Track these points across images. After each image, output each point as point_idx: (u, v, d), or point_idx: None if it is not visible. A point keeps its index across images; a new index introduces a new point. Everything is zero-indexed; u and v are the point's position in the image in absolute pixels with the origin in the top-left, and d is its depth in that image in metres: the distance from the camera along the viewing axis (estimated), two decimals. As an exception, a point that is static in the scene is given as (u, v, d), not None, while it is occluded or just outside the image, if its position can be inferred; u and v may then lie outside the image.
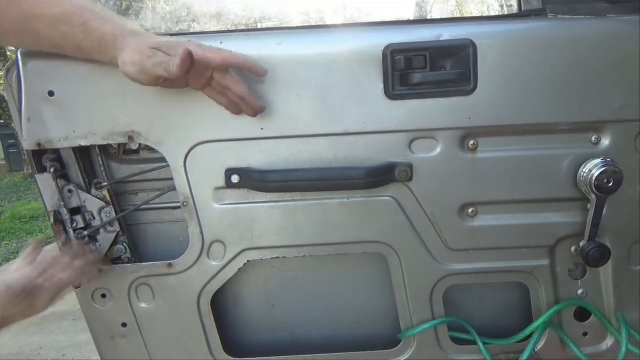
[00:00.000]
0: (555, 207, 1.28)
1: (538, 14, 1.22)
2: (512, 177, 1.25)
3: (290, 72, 1.19)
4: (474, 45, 1.17)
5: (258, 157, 1.24)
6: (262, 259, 1.31)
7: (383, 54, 1.18)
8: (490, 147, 1.24)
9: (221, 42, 1.18)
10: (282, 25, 1.33)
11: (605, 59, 1.20)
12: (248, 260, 1.30)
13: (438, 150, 1.24)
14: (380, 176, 1.20)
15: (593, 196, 1.21)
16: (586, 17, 1.22)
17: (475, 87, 1.19)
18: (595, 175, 1.19)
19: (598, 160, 1.21)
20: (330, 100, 1.21)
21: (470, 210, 1.28)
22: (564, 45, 1.20)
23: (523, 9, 1.23)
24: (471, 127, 1.22)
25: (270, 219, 1.27)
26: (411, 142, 1.23)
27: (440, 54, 1.19)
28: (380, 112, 1.21)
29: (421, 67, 1.19)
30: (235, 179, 1.23)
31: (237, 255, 1.29)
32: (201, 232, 1.27)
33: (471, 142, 1.24)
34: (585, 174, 1.21)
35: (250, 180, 1.21)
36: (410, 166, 1.23)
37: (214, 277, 1.30)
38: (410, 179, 1.24)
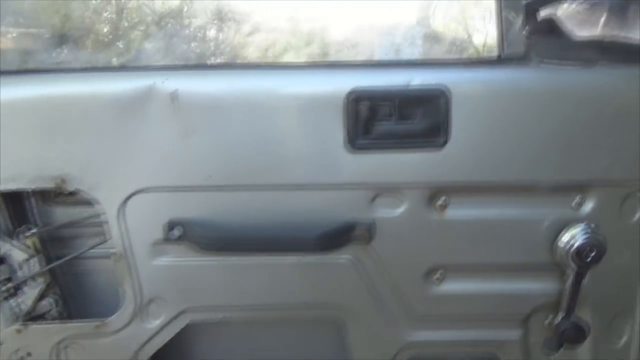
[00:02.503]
0: (531, 275, 1.15)
1: (520, 59, 1.09)
2: (484, 240, 1.13)
3: (242, 115, 1.06)
4: (447, 93, 1.04)
5: (204, 208, 1.10)
6: (205, 321, 1.17)
7: (345, 100, 1.05)
8: (461, 206, 1.12)
9: (163, 82, 1.04)
10: (234, 62, 1.19)
11: (593, 113, 1.07)
12: (190, 321, 1.17)
13: (403, 208, 1.11)
14: (336, 237, 1.07)
15: (572, 267, 1.09)
16: (574, 65, 1.09)
17: (447, 140, 1.06)
18: (576, 245, 1.07)
19: (580, 228, 1.08)
20: (286, 148, 1.07)
21: (437, 275, 1.15)
22: (548, 96, 1.07)
23: (504, 53, 1.10)
24: (441, 184, 1.09)
25: (215, 277, 1.14)
26: (374, 198, 1.10)
27: (410, 102, 1.06)
28: (341, 164, 1.08)
29: (387, 116, 1.05)
30: (176, 232, 1.09)
31: (178, 315, 1.16)
32: (137, 289, 1.14)
33: (440, 201, 1.11)
34: (565, 242, 1.09)
35: (193, 235, 1.07)
36: (371, 226, 1.10)
37: (150, 338, 1.17)
38: (371, 240, 1.11)
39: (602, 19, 1.18)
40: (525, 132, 1.07)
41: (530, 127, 1.07)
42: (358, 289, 1.15)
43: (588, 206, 1.11)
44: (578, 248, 1.06)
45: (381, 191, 1.10)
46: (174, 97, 1.04)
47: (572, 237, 1.08)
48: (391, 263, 1.14)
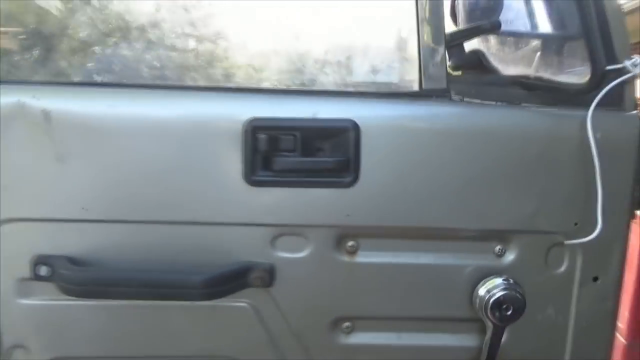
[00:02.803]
0: (448, 328, 1.05)
1: (440, 95, 1.01)
2: (397, 288, 1.02)
3: (124, 141, 0.94)
4: (356, 127, 0.95)
5: (78, 244, 0.97)
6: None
7: (244, 130, 0.94)
8: (372, 251, 1.01)
9: (36, 98, 0.91)
10: (120, 81, 1.07)
11: (517, 156, 0.99)
12: (60, 373, 1.02)
13: (308, 250, 0.99)
14: (227, 283, 0.94)
15: (489, 323, 0.99)
16: (496, 103, 1.01)
17: (356, 178, 0.96)
18: (492, 299, 0.97)
19: (498, 281, 0.99)
20: (176, 180, 0.95)
21: (345, 325, 1.04)
22: (468, 135, 0.98)
23: (423, 87, 1.01)
24: (349, 226, 0.98)
25: (90, 323, 1.00)
26: (274, 238, 0.99)
27: (315, 135, 0.96)
28: (238, 200, 0.96)
29: (290, 150, 0.95)
30: (43, 270, 0.95)
31: (45, 365, 1.01)
32: (-2, 334, 0.98)
33: (349, 244, 1.00)
34: (481, 295, 0.99)
35: (61, 276, 0.93)
36: (270, 269, 0.98)
37: (15, 391, 1.01)
38: (270, 284, 0.99)
39: (534, 58, 1.12)
40: (442, 174, 0.98)
41: (448, 168, 0.98)
42: (256, 340, 1.02)
43: (510, 256, 1.02)
44: (494, 303, 0.97)
45: (283, 231, 0.98)
46: (47, 116, 0.91)
47: (489, 290, 0.98)
48: (294, 311, 1.01)
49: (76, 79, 0.97)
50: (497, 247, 1.02)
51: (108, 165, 0.94)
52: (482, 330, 1.02)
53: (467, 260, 1.02)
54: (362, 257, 1.01)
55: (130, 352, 1.01)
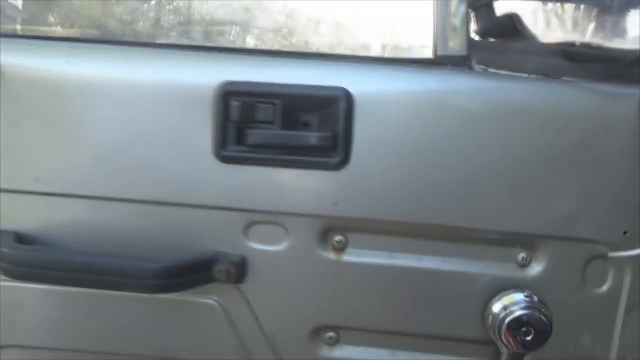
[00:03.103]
0: (453, 349, 0.86)
1: (458, 63, 0.82)
2: (393, 296, 0.85)
3: (81, 104, 0.82)
4: (349, 97, 0.78)
5: (29, 219, 0.86)
6: (28, 362, 0.92)
7: (214, 95, 0.79)
8: (363, 249, 0.84)
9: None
10: (84, 34, 0.94)
11: (552, 141, 0.79)
12: (8, 362, 0.91)
13: (286, 243, 0.84)
14: (186, 275, 0.80)
15: (504, 348, 0.79)
16: (529, 76, 0.82)
17: (347, 159, 0.79)
18: (509, 319, 0.77)
19: (518, 297, 0.79)
20: (137, 151, 0.82)
21: (328, 336, 0.87)
22: (490, 113, 0.80)
23: (438, 53, 0.83)
24: (337, 217, 0.82)
25: (40, 309, 0.89)
26: (247, 226, 0.84)
27: (299, 105, 0.80)
28: (206, 178, 0.82)
29: (267, 121, 0.79)
30: (-14, 246, 0.84)
31: (-9, 352, 0.91)
32: (-56, 314, 0.89)
33: (336, 239, 0.84)
34: (495, 312, 0.79)
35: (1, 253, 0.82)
36: (239, 262, 0.83)
37: (-40, 377, 0.92)
38: (238, 280, 0.84)
39: (584, 23, 0.91)
40: (455, 160, 0.79)
41: (463, 153, 0.79)
42: (224, 343, 0.87)
43: (535, 268, 0.82)
44: (511, 323, 0.77)
45: (257, 218, 0.83)
46: (-2, 71, 0.81)
47: (505, 307, 0.79)
48: (267, 314, 0.86)
49: (32, 32, 0.88)
50: (521, 255, 0.82)
51: (63, 131, 0.82)
52: (496, 356, 0.83)
53: (481, 268, 0.82)
54: (351, 256, 0.84)
55: (83, 346, 0.89)
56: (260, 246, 0.84)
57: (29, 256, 0.79)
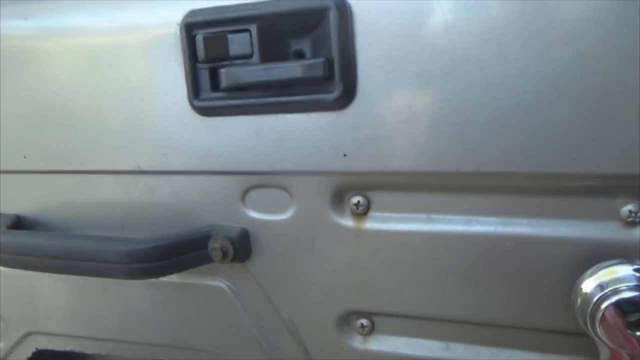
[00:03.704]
0: (525, 342, 0.62)
1: None
2: (437, 274, 0.62)
3: (44, 64, 0.71)
4: (342, 6, 0.56)
5: (22, 199, 0.79)
6: (55, 350, 0.87)
7: (181, 31, 0.63)
8: (391, 211, 0.63)
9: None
10: None
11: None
12: (37, 349, 0.88)
13: (292, 210, 0.66)
14: (170, 256, 0.66)
15: (604, 348, 0.54)
16: None
17: (351, 93, 0.58)
18: (609, 303, 0.51)
19: (624, 270, 0.52)
20: (110, 116, 0.70)
21: (359, 324, 0.68)
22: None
23: None
24: (349, 173, 0.61)
25: (56, 297, 0.83)
26: (244, 193, 0.67)
27: (280, 28, 0.60)
28: (187, 137, 0.67)
29: (244, 55, 0.61)
30: (-5, 232, 0.80)
31: (22, 339, 0.88)
32: (-26, 300, 0.88)
33: (354, 201, 0.63)
34: (587, 293, 0.54)
35: (-1, 239, 0.76)
36: (237, 237, 0.67)
37: (0, 363, 0.91)
38: (242, 258, 0.68)
39: None
40: (511, 75, 0.53)
41: (524, 64, 0.53)
42: (238, 332, 0.74)
43: (652, 223, 0.54)
44: (611, 309, 0.51)
45: (253, 181, 0.66)
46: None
47: (603, 285, 0.52)
48: (282, 297, 0.70)
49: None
50: (626, 209, 0.54)
51: (35, 99, 0.73)
52: (592, 354, 0.57)
53: (562, 229, 0.56)
54: (375, 222, 0.63)
55: (99, 334, 0.82)
56: (262, 215, 0.67)
57: (10, 242, 0.71)
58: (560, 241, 0.56)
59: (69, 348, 0.85)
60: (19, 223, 0.78)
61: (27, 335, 0.87)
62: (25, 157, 0.76)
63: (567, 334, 0.58)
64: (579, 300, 0.54)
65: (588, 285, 0.54)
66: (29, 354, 0.88)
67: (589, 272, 0.54)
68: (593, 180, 0.54)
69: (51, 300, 0.83)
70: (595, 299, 0.52)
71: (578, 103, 0.51)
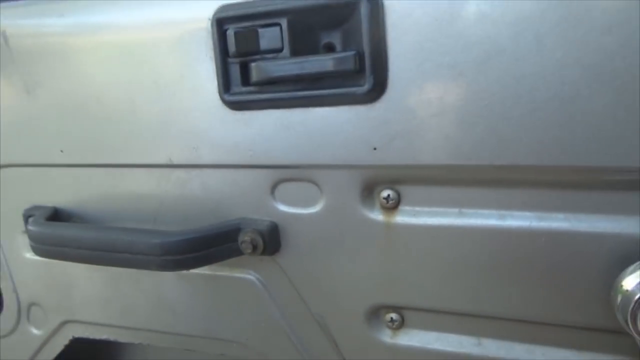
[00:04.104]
0: (561, 340, 0.60)
1: None
2: (468, 269, 0.61)
3: (81, 61, 0.73)
4: (375, 0, 0.55)
5: (59, 192, 0.81)
6: (91, 338, 0.90)
7: (212, 26, 0.63)
8: (422, 205, 0.62)
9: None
10: None
11: None
12: (74, 337, 0.90)
13: (322, 203, 0.66)
14: (201, 249, 0.67)
15: (643, 346, 0.52)
16: None
17: (382, 86, 0.57)
18: (648, 302, 0.50)
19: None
20: (147, 108, 0.71)
21: (389, 318, 0.68)
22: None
23: None
24: (380, 166, 0.61)
25: (91, 286, 0.85)
26: (274, 186, 0.68)
27: (311, 21, 0.60)
28: (218, 131, 0.67)
29: (274, 49, 0.61)
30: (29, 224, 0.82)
31: (59, 327, 0.91)
32: (14, 290, 0.91)
33: (384, 195, 0.63)
34: (629, 291, 0.52)
35: (28, 232, 0.78)
36: (267, 230, 0.68)
37: (39, 350, 0.94)
38: (272, 251, 0.69)
39: None
40: (548, 66, 0.52)
41: (562, 54, 0.51)
42: (269, 324, 0.74)
43: (696, 219, 0.52)
44: (651, 310, 0.49)
45: (283, 175, 0.67)
46: (4, 37, 0.75)
47: (642, 283, 0.51)
48: (310, 290, 0.70)
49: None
50: (669, 202, 0.52)
51: (71, 94, 0.74)
52: (632, 353, 0.56)
53: (600, 224, 0.55)
54: (405, 216, 0.63)
55: (132, 323, 0.84)
56: (292, 209, 0.68)
57: (48, 234, 0.73)
58: (598, 237, 0.55)
59: (104, 337, 0.87)
60: (56, 215, 0.80)
61: (64, 323, 0.90)
62: (62, 151, 0.78)
63: (606, 332, 0.57)
64: (619, 298, 0.53)
65: (630, 282, 0.52)
66: (66, 342, 0.91)
67: (630, 268, 0.53)
68: (633, 174, 0.52)
69: (87, 290, 0.85)
70: (637, 297, 0.51)
71: (618, 94, 0.49)
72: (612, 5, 0.48)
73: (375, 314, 0.68)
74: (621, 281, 0.53)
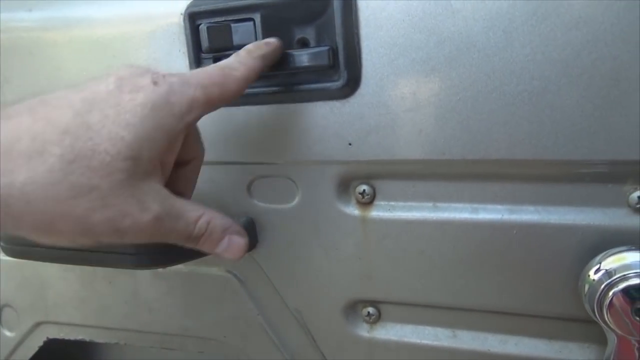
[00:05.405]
0: (532, 330, 0.62)
1: None
2: (444, 262, 0.62)
3: (51, 56, 0.71)
4: (348, -6, 0.56)
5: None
6: (65, 339, 0.88)
7: (184, 21, 0.63)
8: (397, 200, 0.63)
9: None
10: None
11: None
12: (48, 338, 0.89)
13: (298, 199, 0.66)
14: (177, 246, 0.67)
15: (612, 335, 0.54)
16: None
17: (355, 82, 0.58)
18: (617, 290, 0.51)
19: (632, 256, 0.52)
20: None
21: (366, 312, 0.69)
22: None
23: None
24: (354, 162, 0.61)
25: (65, 287, 0.84)
26: (250, 183, 0.68)
27: (285, 16, 0.60)
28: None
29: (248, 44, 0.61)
30: (2, 224, 0.80)
31: (33, 328, 0.89)
32: (-14, 290, 0.90)
33: (360, 190, 0.63)
34: (595, 280, 0.53)
35: None
36: (244, 226, 0.67)
37: (12, 351, 0.92)
38: (250, 247, 0.69)
39: None
40: (518, 61, 0.53)
41: (531, 49, 0.52)
42: (247, 321, 0.74)
43: (660, 210, 0.53)
44: (619, 296, 0.51)
45: (257, 171, 0.66)
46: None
47: (610, 272, 0.52)
48: (286, 286, 0.70)
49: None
50: (635, 195, 0.54)
51: (41, 91, 0.73)
52: (599, 341, 0.57)
53: (569, 215, 0.56)
54: (380, 210, 0.63)
55: (108, 323, 0.83)
56: (268, 205, 0.68)
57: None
58: (567, 228, 0.56)
59: (79, 337, 0.86)
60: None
61: (38, 324, 0.88)
62: None
63: (575, 321, 0.58)
64: (586, 287, 0.54)
65: (596, 272, 0.54)
66: (41, 343, 0.89)
67: (596, 259, 0.54)
68: (601, 167, 0.53)
69: (60, 290, 0.84)
70: (603, 286, 0.52)
71: (586, 89, 0.51)
72: (578, 1, 0.49)
73: (352, 308, 0.69)
74: (588, 271, 0.54)
